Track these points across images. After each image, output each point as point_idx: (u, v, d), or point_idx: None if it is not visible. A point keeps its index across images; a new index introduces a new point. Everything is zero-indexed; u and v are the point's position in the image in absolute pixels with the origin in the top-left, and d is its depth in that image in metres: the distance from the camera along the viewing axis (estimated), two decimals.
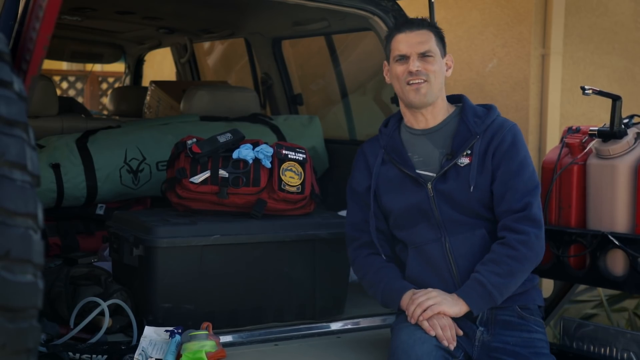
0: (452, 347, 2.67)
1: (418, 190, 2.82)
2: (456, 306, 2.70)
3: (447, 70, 2.88)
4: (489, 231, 2.79)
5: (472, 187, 2.76)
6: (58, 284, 3.15)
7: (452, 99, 2.95)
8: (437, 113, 2.86)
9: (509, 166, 2.76)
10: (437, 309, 2.68)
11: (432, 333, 2.66)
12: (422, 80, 2.78)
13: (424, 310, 2.68)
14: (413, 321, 2.71)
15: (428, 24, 2.87)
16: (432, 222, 2.81)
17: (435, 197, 2.79)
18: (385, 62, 2.92)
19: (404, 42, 2.81)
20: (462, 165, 2.79)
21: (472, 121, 2.83)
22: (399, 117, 2.96)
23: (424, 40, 2.80)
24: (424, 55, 2.79)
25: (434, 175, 2.81)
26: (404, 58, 2.80)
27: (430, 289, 2.75)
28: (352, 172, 3.01)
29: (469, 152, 2.79)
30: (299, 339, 3.17)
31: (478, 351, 2.76)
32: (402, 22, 2.92)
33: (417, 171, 2.84)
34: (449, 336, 2.67)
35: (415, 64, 2.77)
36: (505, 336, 2.77)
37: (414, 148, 2.88)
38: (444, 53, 2.86)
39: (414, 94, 2.79)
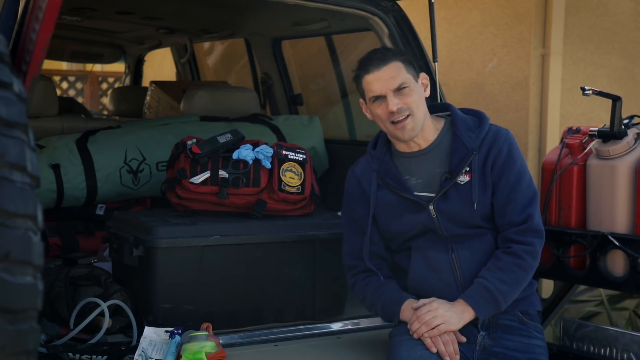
0: None
1: (420, 212, 2.78)
2: (462, 320, 2.68)
3: (425, 90, 2.79)
4: (494, 237, 2.78)
5: (475, 205, 2.73)
6: (58, 285, 3.15)
7: (437, 107, 2.90)
8: (426, 135, 2.79)
9: (508, 178, 2.74)
10: (445, 329, 2.64)
11: (434, 350, 2.63)
12: (405, 116, 2.70)
13: (431, 329, 2.65)
14: (416, 336, 2.67)
15: (393, 54, 2.77)
16: (437, 234, 2.80)
17: (439, 217, 2.76)
18: (362, 100, 2.83)
19: (375, 82, 2.71)
20: (462, 183, 2.75)
21: (466, 136, 2.77)
22: (388, 137, 2.87)
23: (394, 74, 2.70)
24: (399, 89, 2.70)
25: (434, 195, 2.77)
26: (380, 98, 2.72)
27: (432, 301, 2.70)
28: (346, 198, 2.94)
29: (467, 169, 2.75)
30: (299, 340, 3.17)
31: (478, 356, 2.74)
32: (366, 60, 2.76)
33: (416, 193, 2.79)
34: (451, 351, 2.64)
35: (394, 102, 2.68)
36: (505, 340, 2.76)
37: (410, 170, 2.82)
38: (417, 76, 2.77)
39: (401, 133, 2.72)
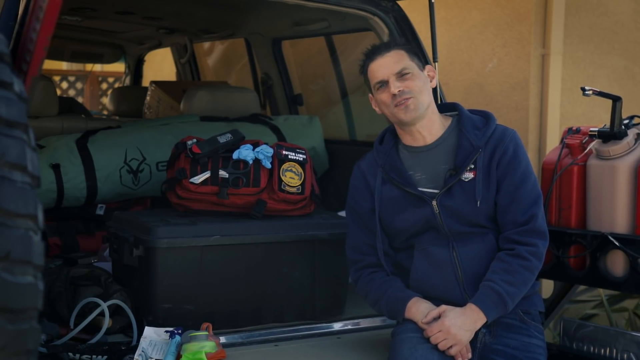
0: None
1: (423, 208, 2.79)
2: (474, 331, 2.69)
3: (431, 81, 2.84)
4: (495, 237, 2.79)
5: (478, 202, 2.74)
6: (58, 285, 3.15)
7: (446, 107, 2.92)
8: (432, 128, 2.82)
9: (513, 177, 2.75)
10: (458, 350, 2.66)
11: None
12: (407, 98, 2.74)
13: (448, 348, 2.67)
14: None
15: (396, 44, 2.86)
16: (440, 232, 2.80)
17: (441, 213, 2.77)
18: (370, 95, 2.88)
19: (378, 68, 2.78)
20: (466, 180, 2.76)
21: (472, 134, 2.79)
22: (395, 133, 2.91)
23: (396, 59, 2.77)
24: (401, 75, 2.75)
25: (438, 191, 2.78)
26: (383, 84, 2.77)
27: (443, 318, 2.69)
28: (351, 192, 2.96)
29: (472, 166, 2.76)
30: (299, 340, 3.17)
31: (479, 352, 2.76)
32: (371, 50, 2.87)
33: (420, 189, 2.80)
34: (464, 352, 2.68)
35: (395, 85, 2.74)
36: (506, 338, 2.77)
37: (415, 166, 2.84)
38: (422, 66, 2.83)
39: (404, 112, 2.75)
